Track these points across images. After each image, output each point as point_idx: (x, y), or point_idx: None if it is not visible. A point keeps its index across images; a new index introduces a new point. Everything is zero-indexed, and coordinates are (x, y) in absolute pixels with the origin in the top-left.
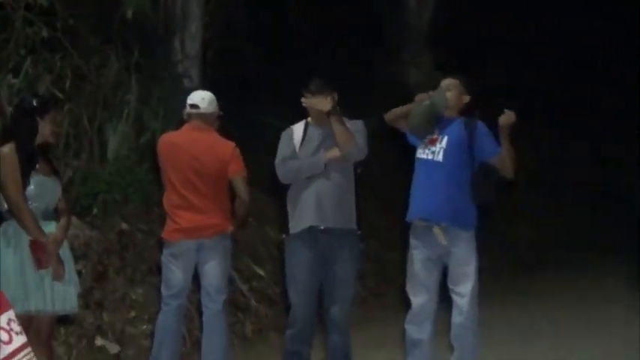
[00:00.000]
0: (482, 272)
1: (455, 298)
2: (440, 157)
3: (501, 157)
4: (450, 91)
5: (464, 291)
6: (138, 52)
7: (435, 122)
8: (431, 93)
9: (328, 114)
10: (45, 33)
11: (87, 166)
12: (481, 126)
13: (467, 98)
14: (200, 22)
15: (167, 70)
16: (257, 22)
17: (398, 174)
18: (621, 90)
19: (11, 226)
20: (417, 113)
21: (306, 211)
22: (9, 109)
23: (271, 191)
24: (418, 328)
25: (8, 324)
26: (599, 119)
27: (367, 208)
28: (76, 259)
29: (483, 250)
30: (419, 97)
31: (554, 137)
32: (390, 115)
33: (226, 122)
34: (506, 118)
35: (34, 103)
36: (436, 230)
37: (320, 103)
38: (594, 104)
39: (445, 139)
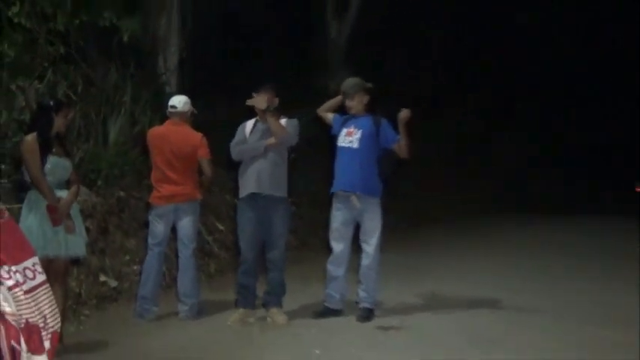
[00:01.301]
0: (387, 227)
1: (364, 246)
2: (356, 145)
3: (399, 144)
4: (359, 92)
5: (371, 241)
6: (132, 65)
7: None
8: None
9: (265, 111)
10: (62, 50)
11: (93, 150)
12: (384, 121)
13: (367, 99)
14: (177, 44)
15: (154, 79)
16: (220, 43)
17: (327, 156)
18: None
19: (33, 193)
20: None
21: (249, 182)
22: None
23: (229, 167)
24: (336, 268)
25: (33, 266)
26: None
27: (302, 180)
28: (85, 217)
29: (393, 211)
30: (337, 98)
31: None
32: (320, 110)
33: (198, 117)
34: (404, 114)
35: (51, 103)
36: (353, 198)
37: (258, 102)
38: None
39: (360, 131)
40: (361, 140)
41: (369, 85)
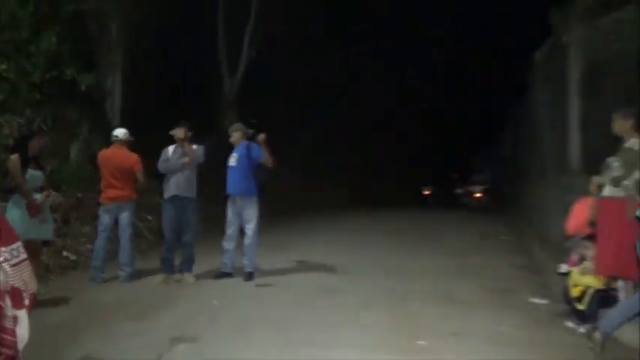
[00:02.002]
0: (268, 216)
1: (245, 230)
2: (235, 164)
3: (264, 159)
4: (237, 131)
5: (249, 226)
6: (88, 107)
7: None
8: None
9: (182, 140)
10: (38, 96)
11: (59, 165)
12: (253, 145)
13: (249, 133)
14: (120, 93)
15: (103, 116)
16: (153, 91)
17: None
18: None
19: (17, 195)
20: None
21: (170, 187)
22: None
23: (157, 178)
24: (228, 244)
25: (18, 247)
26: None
27: (209, 186)
28: (53, 211)
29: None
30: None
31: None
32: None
33: (136, 142)
34: (261, 137)
35: (28, 133)
36: (237, 199)
37: (178, 133)
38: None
39: (237, 155)
40: (238, 160)
41: (246, 127)
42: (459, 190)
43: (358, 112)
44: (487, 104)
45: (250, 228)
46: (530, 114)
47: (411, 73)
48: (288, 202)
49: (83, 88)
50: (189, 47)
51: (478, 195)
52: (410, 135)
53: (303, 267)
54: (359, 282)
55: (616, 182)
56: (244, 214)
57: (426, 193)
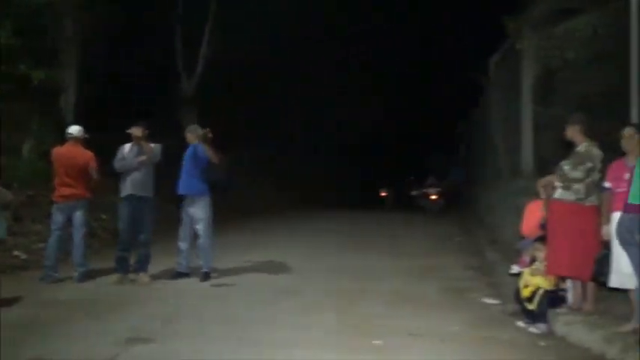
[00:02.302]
0: (225, 216)
1: (197, 229)
2: (185, 164)
3: (211, 157)
4: (189, 132)
5: (199, 226)
6: (42, 104)
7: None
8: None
9: (140, 138)
10: None
11: (11, 162)
12: (198, 147)
13: (200, 134)
14: (75, 90)
15: (59, 115)
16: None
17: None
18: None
19: None
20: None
21: (127, 186)
22: None
23: (113, 176)
24: (182, 244)
25: None
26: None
27: (166, 185)
28: (5, 209)
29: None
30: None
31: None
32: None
33: (91, 140)
34: (207, 134)
35: None
36: (188, 198)
37: (135, 131)
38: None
39: (186, 155)
40: (185, 160)
41: (200, 128)
42: (414, 192)
43: (320, 114)
44: (445, 107)
45: (200, 228)
46: (486, 117)
47: (371, 73)
48: (246, 203)
49: (36, 82)
50: (147, 46)
51: (434, 197)
52: (369, 137)
53: (261, 267)
54: (316, 282)
55: (567, 186)
56: (194, 214)
57: (383, 194)
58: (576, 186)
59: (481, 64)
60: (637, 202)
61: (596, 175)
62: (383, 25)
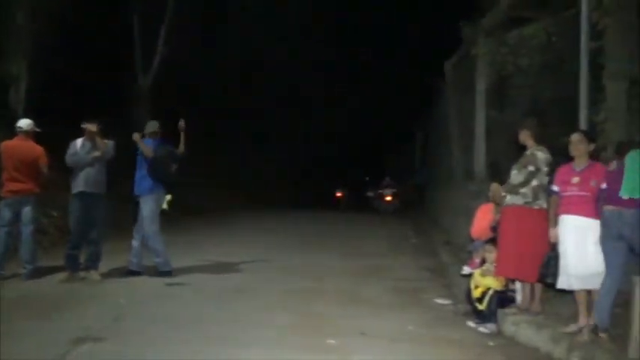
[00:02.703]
0: (175, 214)
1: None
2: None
3: (144, 153)
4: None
5: (145, 224)
6: None
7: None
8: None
9: (94, 133)
10: None
11: None
12: (144, 141)
13: (150, 131)
14: (25, 83)
15: (8, 110)
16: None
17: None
18: None
19: None
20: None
21: (79, 183)
22: None
23: (65, 172)
24: (135, 242)
25: None
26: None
27: (119, 182)
28: None
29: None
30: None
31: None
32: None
33: (42, 135)
34: (181, 124)
35: None
36: (139, 196)
37: (90, 127)
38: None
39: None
40: (138, 159)
41: (157, 125)
42: (370, 194)
43: (276, 114)
44: (403, 109)
45: (146, 225)
46: (441, 121)
47: (327, 75)
48: (202, 203)
49: None
50: (102, 41)
51: (389, 198)
52: (325, 138)
53: (215, 266)
54: (271, 282)
55: (514, 190)
56: (141, 212)
57: (339, 195)
58: (523, 190)
59: (439, 66)
60: (636, 196)
61: (543, 179)
62: (341, 23)
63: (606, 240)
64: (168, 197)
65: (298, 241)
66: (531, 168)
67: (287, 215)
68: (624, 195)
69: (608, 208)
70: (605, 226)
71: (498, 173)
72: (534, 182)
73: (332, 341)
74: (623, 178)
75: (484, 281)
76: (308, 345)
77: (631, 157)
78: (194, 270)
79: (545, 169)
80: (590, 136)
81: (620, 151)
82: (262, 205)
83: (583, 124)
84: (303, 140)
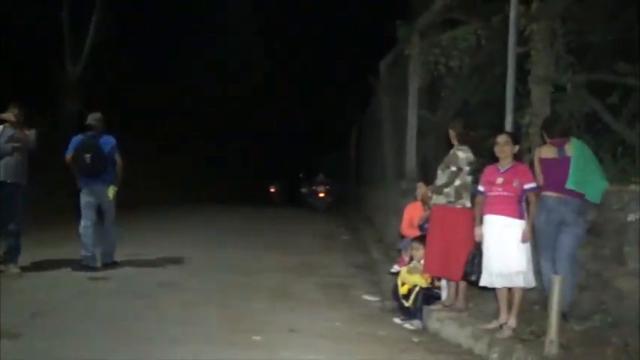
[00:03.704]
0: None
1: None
2: None
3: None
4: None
5: (107, 214)
6: None
7: None
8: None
9: (14, 122)
10: None
11: None
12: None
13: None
14: None
15: None
16: None
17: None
18: None
19: None
20: None
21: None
22: None
23: None
24: (84, 231)
25: None
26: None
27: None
28: None
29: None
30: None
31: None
32: None
33: None
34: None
35: None
36: None
37: (7, 117)
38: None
39: None
40: None
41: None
42: (304, 190)
43: (210, 107)
44: (339, 105)
45: (108, 216)
46: (375, 120)
47: (265, 69)
48: (133, 196)
49: None
50: (31, 30)
51: (322, 195)
52: (260, 133)
53: (143, 261)
54: (198, 277)
55: (439, 190)
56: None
57: (272, 191)
58: (446, 190)
59: (374, 65)
60: (574, 188)
61: (466, 178)
62: (279, 17)
63: (549, 226)
64: (112, 189)
65: (229, 236)
66: (453, 168)
67: (219, 210)
68: (571, 186)
69: (552, 194)
70: (549, 212)
71: (428, 173)
72: (457, 182)
73: (258, 338)
74: (570, 169)
75: (411, 278)
76: (233, 342)
77: (576, 149)
78: (121, 265)
79: (466, 168)
80: (516, 137)
81: (552, 131)
82: (196, 200)
83: (509, 126)
84: (239, 136)
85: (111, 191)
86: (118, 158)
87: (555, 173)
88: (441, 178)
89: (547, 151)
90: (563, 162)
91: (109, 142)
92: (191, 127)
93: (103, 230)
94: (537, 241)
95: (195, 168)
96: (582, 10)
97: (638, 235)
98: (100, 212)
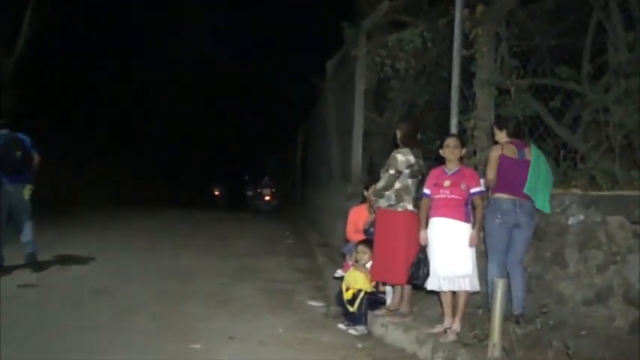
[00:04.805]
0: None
1: None
2: None
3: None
4: None
5: (25, 213)
6: None
7: None
8: None
9: None
10: None
11: None
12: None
13: None
14: None
15: None
16: None
17: None
18: None
19: None
20: None
21: None
22: None
23: None
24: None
25: None
26: None
27: None
28: None
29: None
30: None
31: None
32: None
33: None
34: None
35: None
36: None
37: None
38: None
39: None
40: None
41: None
42: (249, 192)
43: (152, 106)
44: (285, 106)
45: (25, 220)
46: (322, 120)
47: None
48: (66, 196)
49: None
50: None
51: (268, 198)
52: (204, 134)
53: (75, 267)
54: (134, 283)
55: (380, 193)
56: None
57: (216, 193)
58: (387, 193)
59: (321, 66)
60: (528, 193)
61: (406, 181)
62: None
63: (502, 229)
64: (28, 188)
65: (170, 240)
66: (392, 171)
67: (159, 213)
68: (527, 191)
69: (507, 197)
70: (504, 215)
71: (374, 175)
72: (397, 185)
73: (196, 346)
74: (528, 175)
75: (355, 283)
76: (170, 351)
77: (535, 155)
78: (51, 270)
79: (406, 171)
80: (462, 141)
81: (508, 128)
82: (135, 203)
83: (454, 129)
84: (181, 138)
85: (28, 190)
86: (35, 155)
87: (513, 174)
88: (381, 181)
89: (508, 150)
90: (522, 164)
91: (25, 138)
92: (132, 128)
93: (21, 231)
94: (487, 243)
95: (137, 170)
96: (526, 14)
97: (578, 238)
98: (12, 212)
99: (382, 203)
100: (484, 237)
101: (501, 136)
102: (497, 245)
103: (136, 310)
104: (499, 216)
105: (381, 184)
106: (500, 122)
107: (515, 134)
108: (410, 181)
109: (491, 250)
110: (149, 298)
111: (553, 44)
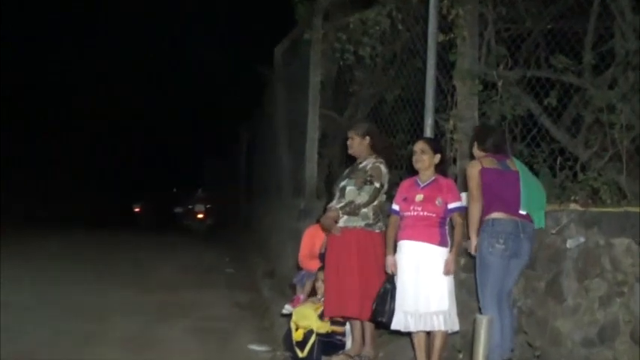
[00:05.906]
0: None
1: None
2: None
3: None
4: None
5: None
6: None
7: None
8: None
9: None
10: None
11: None
12: None
13: None
14: None
15: None
16: None
17: None
18: None
19: None
20: None
21: None
22: None
23: None
24: None
25: None
26: None
27: None
28: None
29: None
30: None
31: None
32: None
33: None
34: None
35: None
36: None
37: None
38: None
39: None
40: None
41: None
42: (178, 209)
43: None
44: (223, 105)
45: None
46: (269, 119)
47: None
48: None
49: None
50: None
51: (201, 215)
52: (121, 141)
53: None
54: (35, 322)
55: (356, 210)
56: None
57: (137, 210)
58: (365, 210)
59: (268, 53)
60: (527, 211)
61: (383, 197)
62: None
63: (504, 258)
64: None
65: (79, 268)
66: (377, 184)
67: (66, 234)
68: (523, 211)
69: (503, 216)
70: (507, 240)
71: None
72: (377, 201)
73: None
74: (520, 192)
75: (305, 322)
76: None
77: (519, 166)
78: None
79: (387, 185)
80: (435, 145)
81: (485, 144)
82: (38, 221)
83: (429, 130)
84: (94, 142)
85: None
86: None
87: (502, 188)
88: (354, 194)
89: (488, 162)
90: (509, 176)
91: None
92: (37, 135)
93: None
94: (482, 277)
95: (42, 183)
96: None
97: (577, 265)
98: None
99: (357, 222)
100: (476, 267)
101: (478, 151)
102: (494, 279)
103: (32, 354)
104: (501, 241)
105: (362, 198)
106: (476, 135)
107: (491, 148)
108: (385, 197)
109: (489, 284)
110: (53, 340)
111: (548, 28)
